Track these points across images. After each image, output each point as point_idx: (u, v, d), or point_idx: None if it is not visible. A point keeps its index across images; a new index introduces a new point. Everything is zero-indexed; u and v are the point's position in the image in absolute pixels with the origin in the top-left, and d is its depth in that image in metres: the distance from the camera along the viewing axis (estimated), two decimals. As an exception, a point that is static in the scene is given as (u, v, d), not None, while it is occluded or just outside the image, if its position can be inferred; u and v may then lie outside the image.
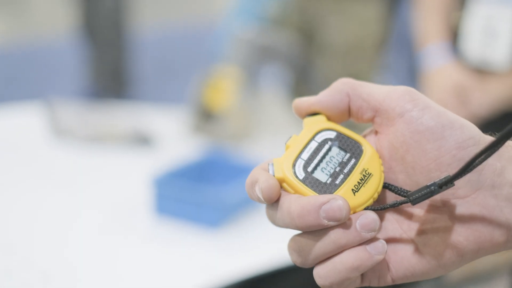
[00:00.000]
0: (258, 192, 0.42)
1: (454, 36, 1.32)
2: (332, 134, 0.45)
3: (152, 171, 1.18)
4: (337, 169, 0.43)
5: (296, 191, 0.42)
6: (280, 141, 1.40)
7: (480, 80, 1.25)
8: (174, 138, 1.37)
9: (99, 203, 1.07)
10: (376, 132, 0.45)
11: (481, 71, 1.26)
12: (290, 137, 0.45)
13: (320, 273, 0.42)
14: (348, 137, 0.45)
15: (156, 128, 1.35)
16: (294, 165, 0.43)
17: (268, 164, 0.43)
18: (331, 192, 0.42)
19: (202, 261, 0.92)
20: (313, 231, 0.42)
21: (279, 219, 0.42)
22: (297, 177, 0.43)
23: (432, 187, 0.40)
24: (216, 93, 1.40)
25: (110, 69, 3.08)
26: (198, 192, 1.00)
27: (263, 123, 1.47)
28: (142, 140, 1.27)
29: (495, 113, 1.24)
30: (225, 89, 1.40)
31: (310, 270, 0.43)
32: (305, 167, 0.43)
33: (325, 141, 0.44)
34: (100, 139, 1.25)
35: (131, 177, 1.16)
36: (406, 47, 2.51)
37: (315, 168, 0.43)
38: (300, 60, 1.53)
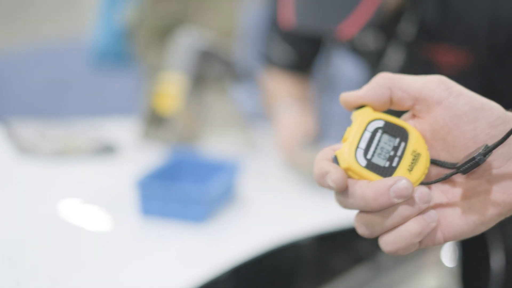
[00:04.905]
0: (330, 183, 0.50)
1: None
2: (381, 123, 0.53)
3: (123, 177, 1.24)
4: (392, 153, 0.52)
5: (362, 177, 0.51)
6: (227, 140, 1.48)
7: None
8: (131, 145, 1.43)
9: (83, 212, 1.12)
10: (413, 116, 0.55)
11: None
12: (345, 131, 0.53)
13: (387, 241, 0.51)
14: (395, 124, 0.53)
15: (113, 137, 1.40)
16: (355, 155, 0.51)
17: (332, 157, 0.52)
18: (391, 174, 0.51)
19: (194, 255, 1.00)
20: (381, 209, 0.50)
21: (352, 204, 0.51)
22: (360, 164, 0.51)
23: (478, 158, 0.49)
24: (163, 98, 1.47)
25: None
26: (183, 190, 1.07)
27: (209, 124, 1.55)
28: (105, 149, 1.33)
29: None
30: (171, 94, 1.47)
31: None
32: (364, 155, 0.51)
33: (376, 130, 0.53)
34: (64, 152, 1.29)
35: (106, 185, 1.21)
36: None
37: (373, 155, 0.52)
38: (238, 65, 1.61)
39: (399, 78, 0.54)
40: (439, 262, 1.42)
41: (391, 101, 0.54)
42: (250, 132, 1.60)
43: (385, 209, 0.50)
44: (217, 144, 1.53)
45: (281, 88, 1.55)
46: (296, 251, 1.09)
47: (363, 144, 0.52)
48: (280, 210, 1.20)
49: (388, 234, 0.51)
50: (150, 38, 2.93)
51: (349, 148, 0.51)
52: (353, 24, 1.20)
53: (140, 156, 1.38)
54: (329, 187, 0.51)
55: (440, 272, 1.40)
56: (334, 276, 1.20)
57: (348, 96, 0.54)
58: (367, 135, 0.52)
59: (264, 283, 1.10)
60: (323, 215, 1.20)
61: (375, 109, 0.54)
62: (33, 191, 1.17)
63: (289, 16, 1.28)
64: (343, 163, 0.51)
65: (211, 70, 1.56)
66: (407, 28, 1.34)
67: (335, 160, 0.51)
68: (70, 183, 1.22)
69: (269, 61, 1.60)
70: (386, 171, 0.51)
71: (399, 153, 0.52)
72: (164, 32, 2.91)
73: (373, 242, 1.22)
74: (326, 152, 0.53)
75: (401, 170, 0.52)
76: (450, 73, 1.34)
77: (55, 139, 1.33)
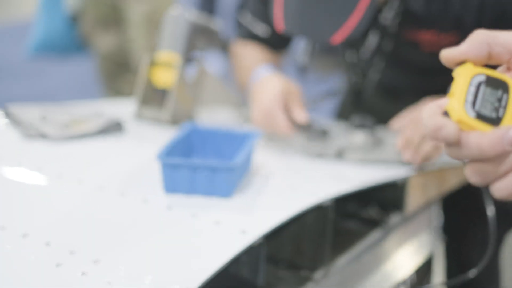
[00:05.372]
0: (446, 135, 0.54)
1: None
2: (483, 77, 0.57)
3: (138, 153, 1.25)
4: (496, 105, 0.56)
5: (473, 128, 0.55)
6: (220, 116, 1.50)
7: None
8: (134, 124, 1.44)
9: (105, 193, 1.12)
10: (508, 70, 0.59)
11: None
12: (451, 88, 0.57)
13: (500, 187, 0.55)
14: (495, 77, 0.58)
15: (116, 116, 1.40)
16: (465, 108, 0.55)
17: (443, 112, 0.56)
18: (498, 124, 0.55)
19: (231, 227, 1.02)
20: (495, 157, 0.54)
21: (466, 155, 0.55)
22: (470, 117, 0.55)
23: None
24: (160, 73, 1.47)
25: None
26: (211, 165, 1.08)
27: (203, 101, 1.56)
28: (115, 126, 1.32)
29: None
30: (167, 70, 1.47)
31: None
32: (472, 108, 0.55)
33: (479, 84, 0.57)
34: (73, 135, 1.28)
35: (123, 162, 1.22)
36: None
37: (480, 107, 0.56)
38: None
39: (497, 35, 0.59)
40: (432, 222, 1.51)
41: (489, 56, 0.58)
42: (242, 106, 1.62)
43: (498, 157, 0.54)
44: (211, 121, 1.55)
45: (258, 57, 1.53)
46: (320, 214, 1.12)
47: (470, 98, 0.56)
48: (294, 178, 1.23)
49: (500, 181, 0.55)
50: (95, 24, 2.94)
51: (458, 102, 0.55)
52: (343, 33, 1.23)
53: (148, 132, 1.38)
54: (444, 140, 0.54)
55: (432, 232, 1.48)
56: (350, 238, 1.25)
57: (450, 53, 0.59)
58: (472, 89, 0.56)
59: (294, 247, 1.14)
60: (334, 181, 1.24)
61: (475, 64, 0.58)
62: (54, 175, 1.16)
63: (278, 18, 1.29)
64: (455, 116, 0.55)
65: (200, 41, 1.56)
66: (390, 16, 1.37)
67: (446, 114, 0.55)
68: (87, 164, 1.22)
69: (244, 34, 1.60)
70: (494, 121, 0.55)
71: (503, 103, 0.57)
72: (108, 19, 2.94)
73: (381, 210, 1.27)
74: (433, 108, 0.56)
75: (508, 119, 0.56)
76: (433, 50, 1.39)
77: (61, 122, 1.32)
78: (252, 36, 1.57)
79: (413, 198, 1.33)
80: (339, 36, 1.22)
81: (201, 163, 1.09)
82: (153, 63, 1.49)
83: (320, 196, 1.12)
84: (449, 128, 0.54)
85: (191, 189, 1.09)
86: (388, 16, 1.35)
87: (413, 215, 1.36)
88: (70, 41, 3.03)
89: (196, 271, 0.91)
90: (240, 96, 1.80)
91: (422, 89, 1.58)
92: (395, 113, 1.49)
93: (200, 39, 1.55)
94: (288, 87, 1.35)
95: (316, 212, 1.13)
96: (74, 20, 2.96)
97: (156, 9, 2.82)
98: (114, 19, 2.92)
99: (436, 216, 1.53)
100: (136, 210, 1.07)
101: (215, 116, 1.60)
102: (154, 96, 1.49)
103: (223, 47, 1.65)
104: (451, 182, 1.44)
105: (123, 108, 1.52)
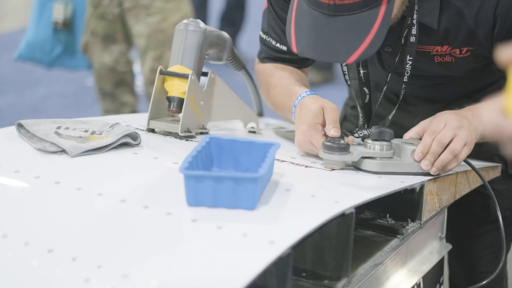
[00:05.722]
0: (509, 133, 0.58)
1: None
2: None
3: (156, 165, 1.25)
4: None
5: None
6: (232, 128, 1.50)
7: None
8: (146, 135, 1.44)
9: (127, 206, 1.11)
10: None
11: None
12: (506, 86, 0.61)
13: None
14: None
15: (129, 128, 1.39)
16: None
17: (503, 108, 0.59)
18: None
19: (259, 239, 1.02)
20: None
21: None
22: None
23: None
24: (172, 86, 1.47)
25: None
26: (235, 178, 1.08)
27: (214, 114, 1.56)
28: (132, 138, 1.32)
29: None
30: (179, 82, 1.47)
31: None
32: None
33: None
34: (90, 146, 1.27)
35: (141, 175, 1.22)
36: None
37: None
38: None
39: None
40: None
41: None
42: (254, 118, 1.63)
43: None
44: (224, 132, 1.56)
45: (290, 78, 1.54)
46: (342, 223, 1.13)
47: None
48: (313, 187, 1.24)
49: None
50: (95, 38, 2.96)
51: None
52: (358, 53, 1.24)
53: (161, 144, 1.39)
54: (508, 138, 0.57)
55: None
56: (369, 247, 1.26)
57: (506, 53, 0.62)
58: None
59: (316, 256, 1.14)
60: (354, 190, 1.25)
61: None
62: (74, 188, 1.16)
63: (292, 43, 1.30)
64: None
65: (211, 53, 1.57)
66: (404, 32, 1.38)
67: (505, 111, 0.59)
68: (105, 177, 1.21)
69: (268, 55, 1.60)
70: None
71: None
72: (106, 36, 2.95)
73: (398, 218, 1.29)
74: (490, 108, 0.59)
75: None
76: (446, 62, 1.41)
77: (76, 136, 1.31)
78: (277, 58, 1.58)
79: (430, 205, 1.34)
80: (354, 57, 1.23)
81: (225, 175, 1.09)
82: (165, 76, 1.49)
83: (343, 204, 1.12)
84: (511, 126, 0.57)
85: (214, 202, 1.09)
86: (402, 32, 1.37)
87: (428, 220, 1.37)
88: (59, 48, 3.03)
89: (229, 283, 0.91)
90: (256, 108, 1.82)
91: (431, 99, 1.59)
92: (405, 123, 1.50)
93: (211, 51, 1.55)
94: (325, 106, 1.37)
95: (338, 221, 1.13)
96: (63, 27, 2.97)
97: (162, 24, 2.83)
98: (115, 33, 2.92)
99: (444, 222, 1.55)
100: (160, 223, 1.07)
101: (227, 126, 1.61)
102: (166, 109, 1.49)
103: (237, 60, 1.65)
104: (463, 187, 1.45)
105: (134, 122, 1.52)
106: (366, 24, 1.22)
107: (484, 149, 1.51)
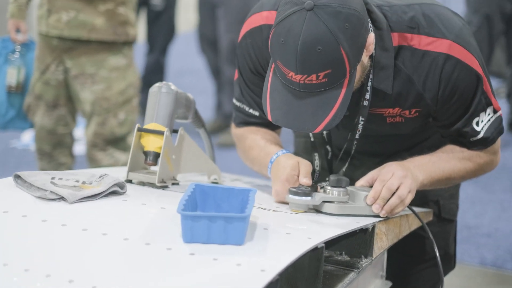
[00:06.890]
0: None
1: None
2: None
3: (144, 209, 1.41)
4: None
5: None
6: (197, 177, 1.69)
7: None
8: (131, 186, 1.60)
9: (133, 242, 1.28)
10: None
11: None
12: None
13: None
14: None
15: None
16: None
17: None
18: None
19: (251, 267, 1.20)
20: None
21: None
22: None
23: None
24: (148, 141, 1.65)
25: None
26: (225, 216, 1.27)
27: (182, 165, 1.74)
28: (120, 187, 1.48)
29: None
30: (155, 139, 1.65)
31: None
32: None
33: None
34: (86, 193, 1.43)
35: (138, 217, 1.38)
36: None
37: None
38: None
39: None
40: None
41: None
42: (216, 171, 1.82)
43: None
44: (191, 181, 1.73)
45: (265, 138, 1.76)
46: (313, 255, 1.33)
47: None
48: (286, 226, 1.43)
49: None
50: (36, 102, 3.06)
51: None
52: (324, 123, 1.46)
53: (142, 193, 1.56)
54: None
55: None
56: (331, 278, 1.45)
57: None
58: None
59: (296, 284, 1.33)
60: (321, 228, 1.45)
61: None
62: (79, 230, 1.31)
63: (267, 111, 1.51)
64: None
65: (180, 111, 1.76)
66: (362, 98, 1.61)
67: None
68: (106, 219, 1.37)
69: (242, 119, 1.81)
70: None
71: None
72: (50, 101, 3.06)
73: (352, 255, 1.48)
74: None
75: None
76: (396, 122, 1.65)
77: (71, 185, 1.46)
78: (250, 123, 1.80)
79: (379, 244, 1.56)
80: (320, 127, 1.46)
81: (218, 215, 1.28)
82: (141, 132, 1.66)
83: (315, 240, 1.32)
84: None
85: (208, 238, 1.27)
86: (362, 99, 1.59)
87: (377, 257, 1.58)
88: (13, 112, 3.12)
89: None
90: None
91: (373, 153, 1.83)
92: (349, 174, 1.73)
93: (179, 110, 1.75)
94: (300, 161, 1.61)
95: (310, 254, 1.33)
96: (16, 91, 3.06)
97: (107, 92, 2.97)
98: (59, 99, 3.04)
99: (385, 262, 1.77)
100: (162, 257, 1.23)
101: (191, 178, 1.79)
102: (142, 162, 1.66)
103: (198, 119, 1.86)
104: (404, 229, 1.68)
105: (111, 174, 1.67)
106: (331, 100, 1.44)
107: (420, 195, 1.76)
